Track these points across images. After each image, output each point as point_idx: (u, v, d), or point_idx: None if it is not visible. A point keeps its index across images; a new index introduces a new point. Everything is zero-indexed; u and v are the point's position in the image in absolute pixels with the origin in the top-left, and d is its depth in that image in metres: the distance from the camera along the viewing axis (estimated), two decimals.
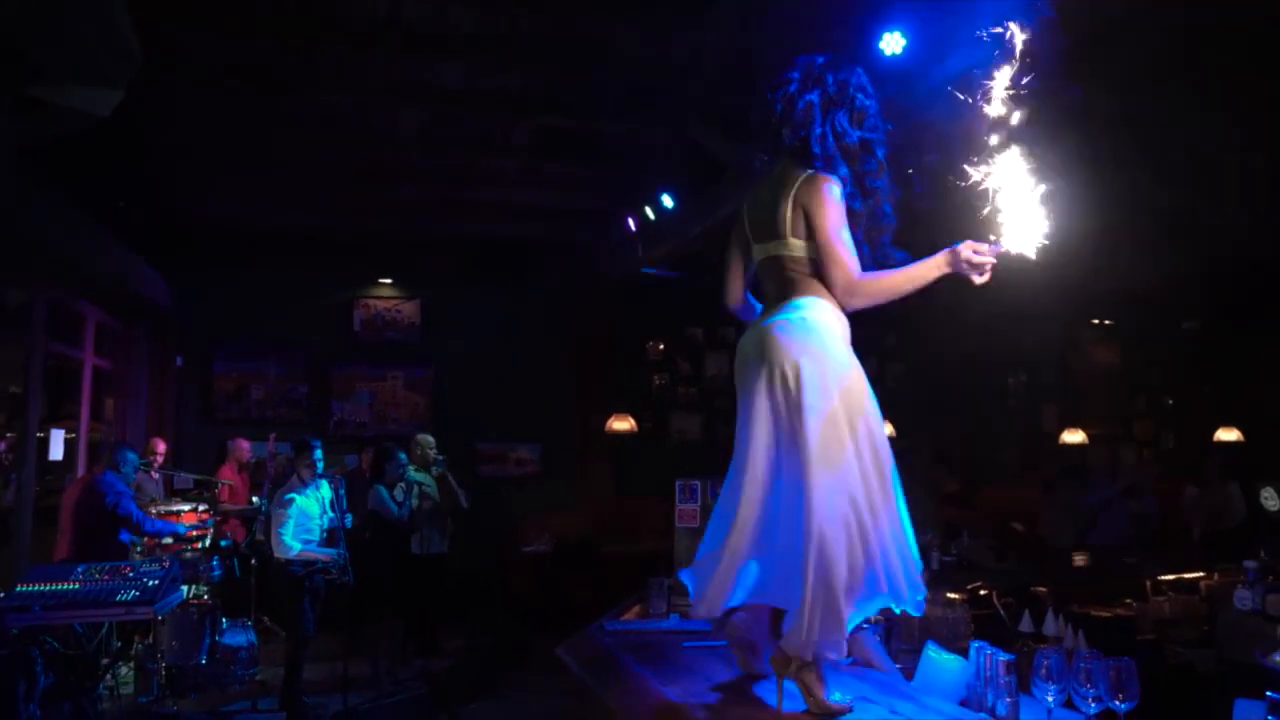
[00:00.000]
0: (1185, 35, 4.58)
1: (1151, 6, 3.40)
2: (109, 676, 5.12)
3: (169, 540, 6.30)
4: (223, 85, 6.09)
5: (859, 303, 2.38)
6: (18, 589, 4.43)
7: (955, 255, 2.31)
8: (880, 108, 2.49)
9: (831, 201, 2.35)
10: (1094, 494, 7.47)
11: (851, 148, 2.42)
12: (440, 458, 7.50)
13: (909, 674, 2.76)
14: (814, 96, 2.44)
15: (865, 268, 2.38)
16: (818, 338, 2.33)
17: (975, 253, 2.30)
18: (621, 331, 9.68)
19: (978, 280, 2.33)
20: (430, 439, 7.58)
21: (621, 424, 8.97)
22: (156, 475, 7.28)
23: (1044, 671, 2.40)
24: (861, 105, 2.45)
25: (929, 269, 2.34)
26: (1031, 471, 9.78)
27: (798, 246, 2.41)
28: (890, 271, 2.39)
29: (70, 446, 7.38)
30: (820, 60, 2.48)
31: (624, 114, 6.30)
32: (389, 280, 9.55)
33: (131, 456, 6.31)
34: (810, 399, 2.25)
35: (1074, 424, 10.15)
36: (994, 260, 2.30)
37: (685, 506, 3.87)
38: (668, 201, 6.96)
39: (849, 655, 2.81)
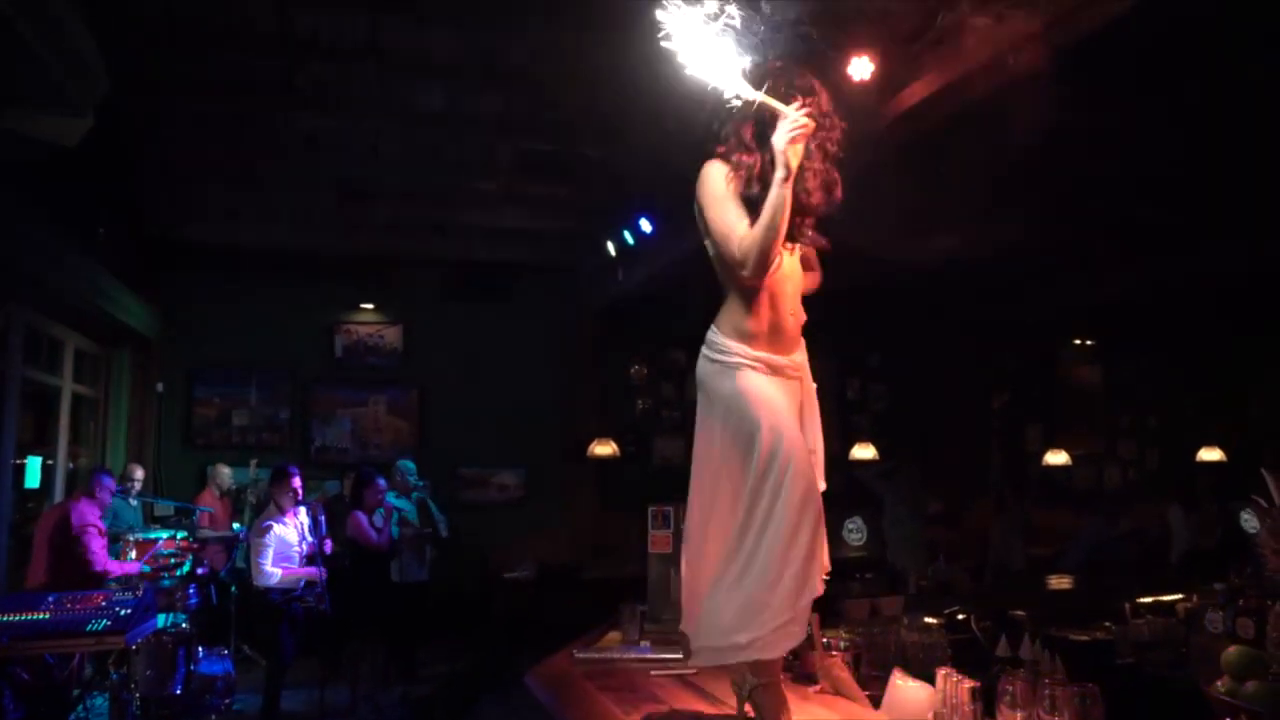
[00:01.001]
0: (1159, 48, 4.62)
1: (1128, 21, 3.42)
2: (81, 708, 5.04)
3: (145, 568, 6.24)
4: (204, 108, 6.11)
5: (759, 267, 2.36)
6: None
7: (775, 146, 2.29)
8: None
9: (703, 182, 2.45)
10: (1093, 533, 7.45)
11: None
12: (421, 484, 7.46)
13: (877, 700, 2.75)
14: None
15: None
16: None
17: (789, 130, 2.27)
18: (604, 355, 9.68)
19: (802, 138, 2.30)
20: (411, 465, 7.55)
21: (604, 448, 8.95)
22: (134, 502, 7.22)
23: (1009, 698, 2.39)
24: None
25: (775, 178, 2.31)
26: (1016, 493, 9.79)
27: (709, 246, 2.51)
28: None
29: (48, 474, 7.31)
30: None
31: (604, 138, 6.33)
32: (370, 305, 9.54)
33: (108, 482, 6.25)
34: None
35: (1057, 444, 10.16)
36: (800, 118, 2.28)
37: (658, 533, 3.85)
38: (646, 226, 6.97)
39: (817, 681, 2.81)
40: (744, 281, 2.41)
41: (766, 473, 2.34)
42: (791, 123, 2.27)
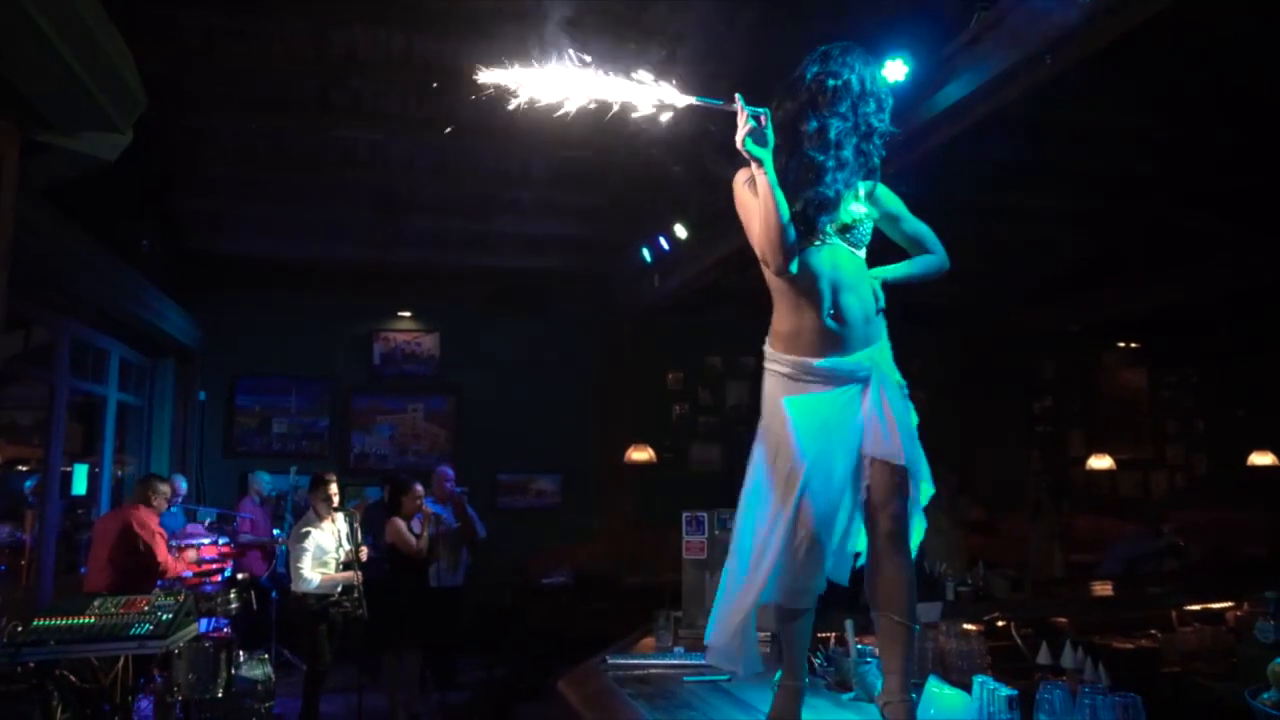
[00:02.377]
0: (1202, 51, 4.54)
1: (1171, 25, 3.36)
2: (126, 710, 5.12)
3: (188, 574, 6.33)
4: (243, 124, 6.22)
5: (772, 260, 2.39)
6: (34, 623, 4.46)
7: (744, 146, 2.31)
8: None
9: (736, 195, 2.48)
10: (1131, 545, 7.30)
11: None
12: (460, 490, 7.50)
13: None
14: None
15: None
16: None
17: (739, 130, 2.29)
18: (641, 361, 9.68)
19: (749, 129, 2.27)
20: (449, 471, 7.59)
21: (641, 454, 8.93)
22: (175, 510, 7.33)
23: (1048, 708, 2.34)
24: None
25: (754, 173, 2.35)
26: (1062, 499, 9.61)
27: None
28: None
29: (94, 481, 7.45)
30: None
31: (638, 146, 6.33)
32: (408, 313, 9.62)
33: (163, 489, 6.37)
34: None
35: (1101, 449, 9.98)
36: (742, 120, 2.28)
37: (693, 539, 3.84)
38: (681, 232, 6.96)
39: (851, 689, 2.77)
40: (776, 275, 2.44)
41: (763, 483, 2.45)
42: (741, 123, 2.29)
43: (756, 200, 2.37)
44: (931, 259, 2.64)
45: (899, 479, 2.40)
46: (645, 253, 7.69)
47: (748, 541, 2.43)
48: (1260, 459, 9.58)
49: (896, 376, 2.51)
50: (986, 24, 3.84)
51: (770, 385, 2.51)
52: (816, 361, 2.43)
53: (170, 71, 5.26)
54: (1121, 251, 7.97)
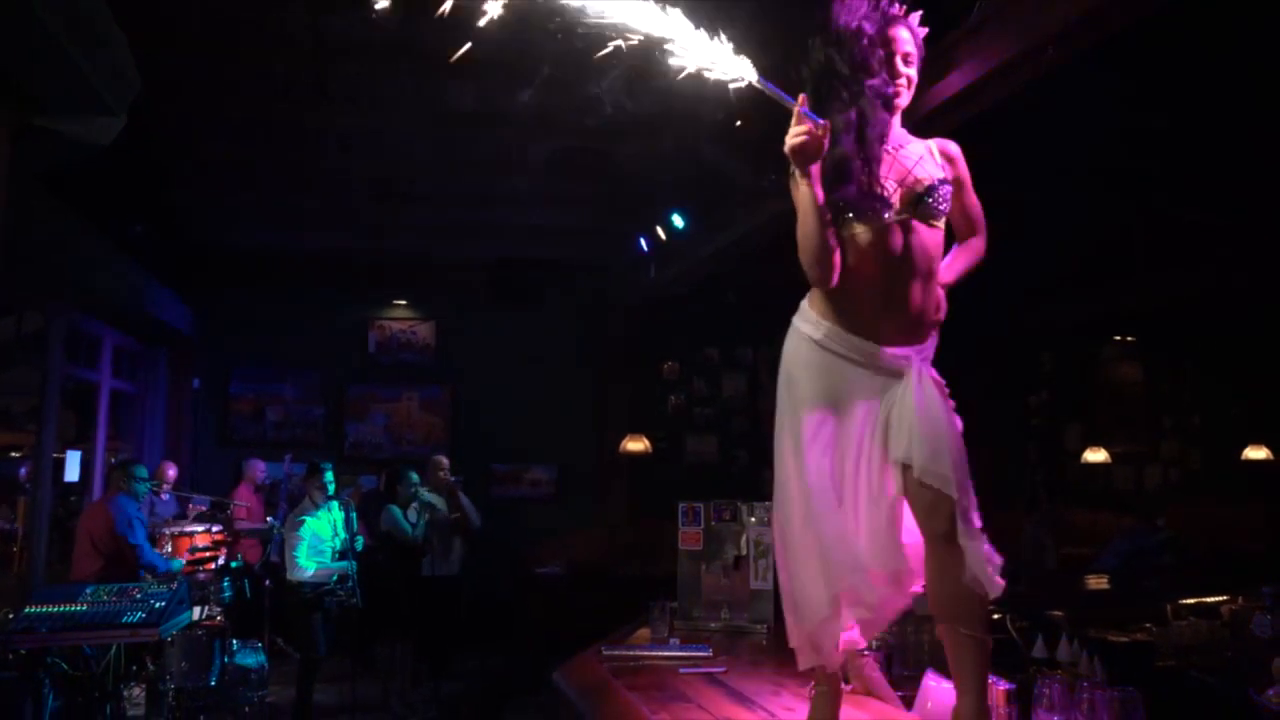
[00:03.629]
0: (1202, 43, 4.51)
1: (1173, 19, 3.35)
2: (117, 698, 5.11)
3: (180, 566, 6.31)
4: (238, 111, 6.17)
5: (809, 276, 2.26)
6: (26, 610, 4.45)
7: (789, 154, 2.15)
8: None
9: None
10: (1128, 541, 7.30)
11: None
12: (455, 479, 7.47)
13: (910, 701, 2.70)
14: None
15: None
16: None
17: (788, 138, 2.13)
18: (637, 352, 9.65)
19: (798, 140, 2.12)
20: (444, 460, 7.56)
21: (636, 445, 8.92)
22: (166, 497, 7.31)
23: (1045, 702, 2.33)
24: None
25: (794, 186, 2.21)
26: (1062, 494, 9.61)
27: None
28: None
29: (87, 468, 7.43)
30: None
31: (637, 134, 6.29)
32: (404, 301, 9.59)
33: (142, 473, 6.33)
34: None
35: (1097, 443, 9.99)
36: (794, 129, 2.13)
37: (688, 530, 3.84)
38: (679, 222, 6.94)
39: (848, 681, 2.76)
40: (818, 288, 2.30)
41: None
42: (791, 129, 2.13)
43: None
44: (977, 244, 2.45)
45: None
46: (642, 242, 7.66)
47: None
48: (1255, 453, 9.60)
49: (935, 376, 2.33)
50: (988, 13, 3.81)
51: (793, 347, 2.36)
52: (858, 340, 2.27)
53: (165, 57, 5.21)
54: (1119, 246, 7.95)
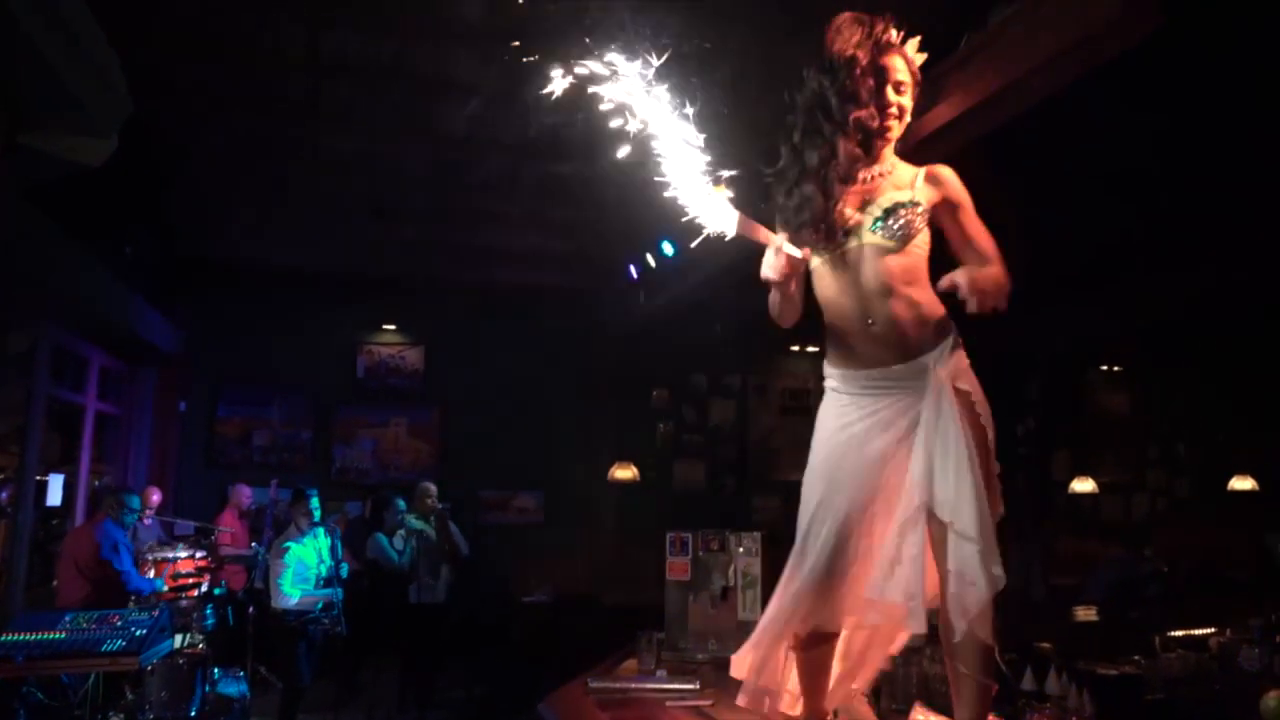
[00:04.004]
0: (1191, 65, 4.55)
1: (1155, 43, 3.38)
2: None
3: (164, 587, 6.24)
4: (231, 128, 6.16)
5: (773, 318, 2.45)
6: (2, 638, 4.37)
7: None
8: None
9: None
10: (1114, 570, 7.30)
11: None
12: (442, 506, 7.43)
13: None
14: None
15: None
16: None
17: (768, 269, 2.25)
18: (625, 379, 9.63)
19: (773, 276, 2.25)
20: (432, 487, 7.52)
21: (624, 473, 8.90)
22: (149, 522, 7.23)
23: None
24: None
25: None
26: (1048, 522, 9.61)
27: None
28: None
29: (70, 491, 7.35)
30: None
31: (627, 160, 6.31)
32: (392, 326, 9.57)
33: (135, 502, 6.28)
34: None
35: (1085, 472, 10.01)
36: (770, 259, 2.25)
37: (676, 560, 3.81)
38: (668, 249, 6.94)
39: (837, 715, 2.73)
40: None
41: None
42: (770, 261, 2.25)
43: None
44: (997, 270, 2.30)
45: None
46: (632, 269, 7.67)
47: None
48: (1240, 483, 9.63)
49: (973, 385, 2.30)
50: (976, 46, 3.85)
51: (823, 402, 2.43)
52: (858, 370, 2.31)
53: (158, 74, 5.21)
54: (1106, 270, 7.98)
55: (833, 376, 2.39)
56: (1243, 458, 9.87)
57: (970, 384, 2.30)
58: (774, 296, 2.34)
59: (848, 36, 2.30)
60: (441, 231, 7.99)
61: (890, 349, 2.27)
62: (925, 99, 4.09)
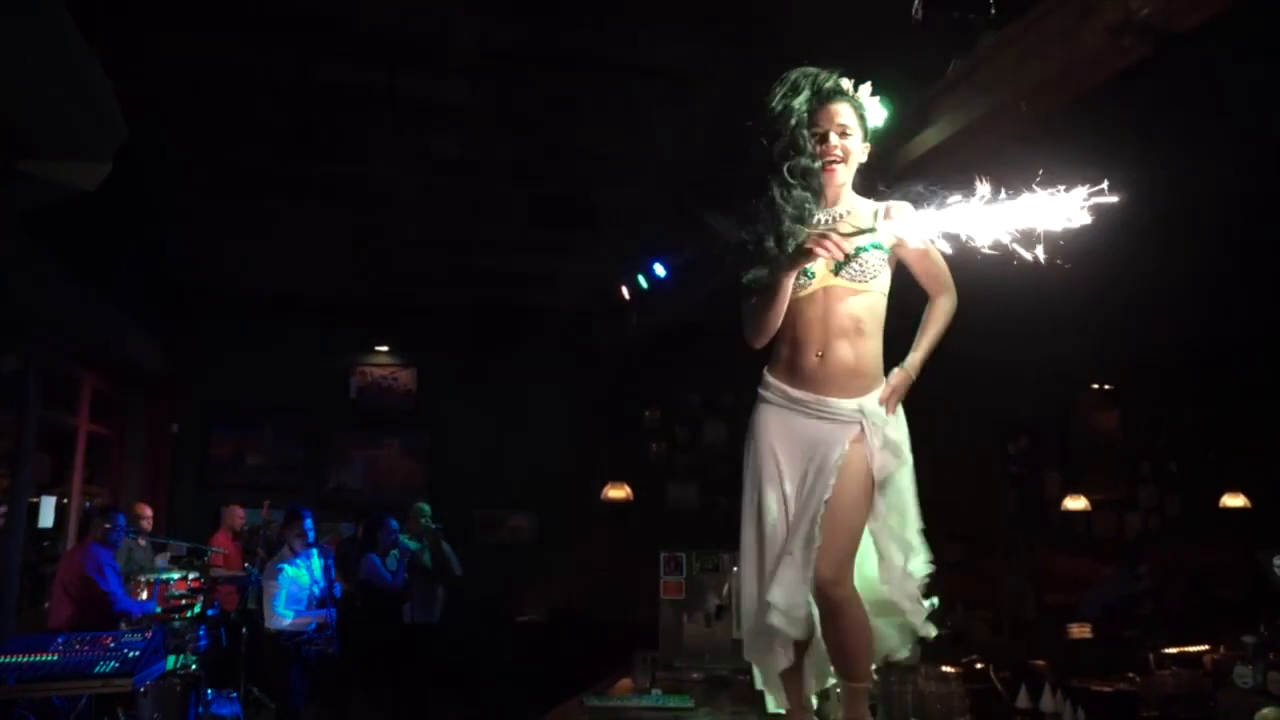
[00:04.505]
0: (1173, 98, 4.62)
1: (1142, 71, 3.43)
2: None
3: (157, 609, 6.21)
4: (222, 153, 6.20)
5: (750, 336, 2.53)
6: None
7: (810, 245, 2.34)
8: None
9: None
10: (1110, 588, 7.31)
11: None
12: (436, 526, 7.43)
13: None
14: None
15: None
16: None
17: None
18: (618, 399, 9.65)
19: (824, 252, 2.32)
20: (426, 508, 7.52)
21: (617, 492, 8.90)
22: (144, 542, 7.20)
23: None
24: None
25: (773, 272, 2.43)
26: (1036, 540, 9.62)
27: None
28: None
29: (61, 513, 7.32)
30: None
31: (617, 183, 6.36)
32: (385, 347, 9.58)
33: (121, 521, 6.25)
34: None
35: (1076, 490, 10.03)
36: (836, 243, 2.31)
37: (670, 579, 3.82)
38: (660, 270, 6.99)
39: None
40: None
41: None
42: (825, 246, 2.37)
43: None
44: (944, 305, 2.56)
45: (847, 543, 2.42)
46: (624, 290, 7.70)
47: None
48: (1232, 500, 9.67)
49: (897, 445, 2.50)
50: (964, 70, 3.91)
51: (758, 413, 2.57)
52: (798, 393, 2.48)
53: (152, 101, 5.24)
54: (1092, 295, 8.04)
55: (771, 388, 2.54)
56: (1234, 474, 9.91)
57: (891, 446, 2.49)
58: (761, 302, 2.44)
59: (784, 90, 2.44)
60: (434, 255, 8.02)
61: (829, 384, 2.46)
62: (914, 123, 4.17)
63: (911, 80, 4.08)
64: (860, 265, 2.42)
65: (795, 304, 2.46)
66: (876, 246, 2.43)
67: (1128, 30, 3.09)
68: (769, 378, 2.56)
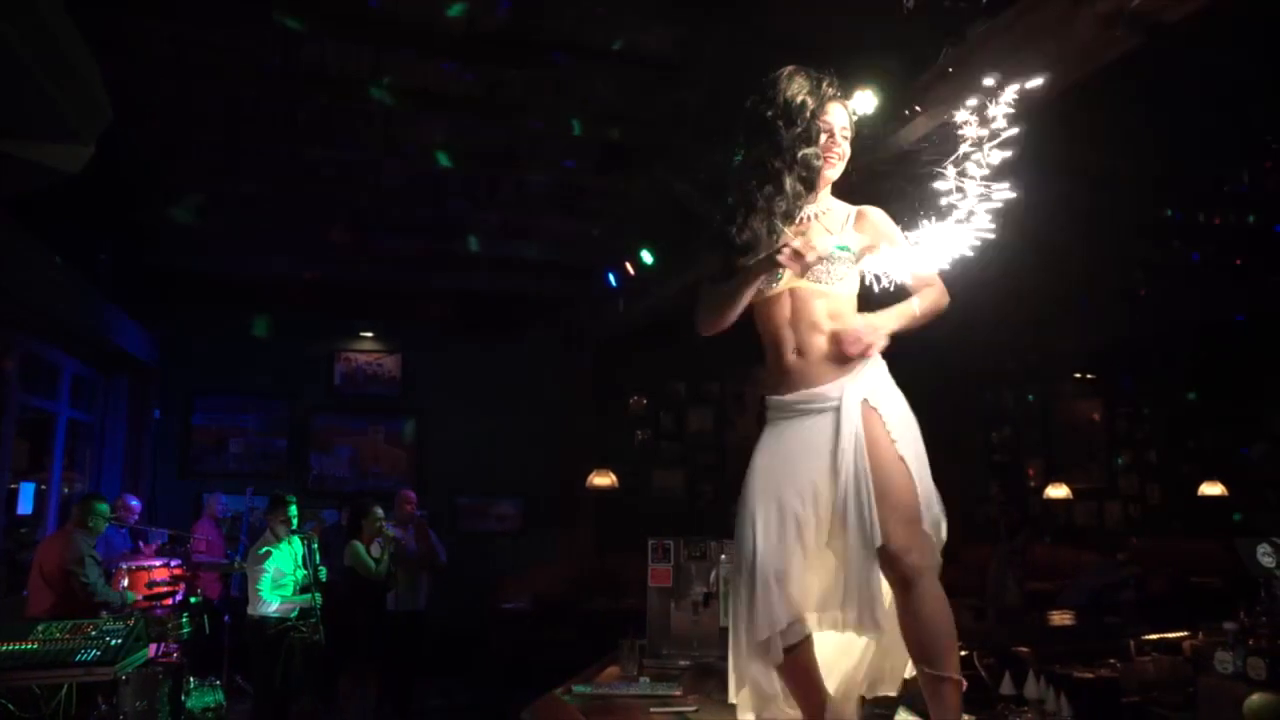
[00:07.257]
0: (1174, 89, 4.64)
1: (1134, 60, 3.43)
2: None
3: (139, 597, 6.16)
4: (206, 137, 6.13)
5: (702, 325, 2.60)
6: None
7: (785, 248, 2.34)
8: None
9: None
10: (1094, 578, 7.37)
11: None
12: (420, 513, 7.40)
13: None
14: None
15: None
16: None
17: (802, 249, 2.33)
18: (604, 386, 9.64)
19: (794, 266, 2.36)
20: (410, 494, 7.49)
21: (603, 479, 8.89)
22: (125, 532, 7.14)
23: None
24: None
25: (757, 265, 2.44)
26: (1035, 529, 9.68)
27: None
28: None
29: (41, 499, 7.25)
30: None
31: (605, 169, 6.34)
32: (370, 333, 9.52)
33: (102, 509, 6.19)
34: None
35: (1058, 479, 10.12)
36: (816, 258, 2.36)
37: (658, 566, 3.81)
38: (647, 257, 6.97)
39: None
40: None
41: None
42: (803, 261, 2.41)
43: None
44: (931, 294, 2.53)
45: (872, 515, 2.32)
46: (611, 277, 7.68)
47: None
48: (1210, 489, 9.77)
49: (890, 400, 2.44)
50: (955, 58, 3.89)
51: (758, 442, 2.58)
52: (786, 396, 2.49)
53: (136, 84, 5.18)
54: (1080, 286, 8.10)
55: (770, 405, 2.55)
56: (1212, 463, 10.02)
57: (886, 400, 2.44)
58: (726, 292, 2.47)
59: (800, 84, 2.49)
60: (420, 241, 7.97)
61: (813, 376, 2.46)
62: (904, 110, 4.15)
63: (903, 67, 4.08)
64: (827, 268, 2.46)
65: (763, 305, 2.51)
66: (844, 249, 2.48)
67: (1119, 20, 3.09)
68: (765, 396, 2.58)
